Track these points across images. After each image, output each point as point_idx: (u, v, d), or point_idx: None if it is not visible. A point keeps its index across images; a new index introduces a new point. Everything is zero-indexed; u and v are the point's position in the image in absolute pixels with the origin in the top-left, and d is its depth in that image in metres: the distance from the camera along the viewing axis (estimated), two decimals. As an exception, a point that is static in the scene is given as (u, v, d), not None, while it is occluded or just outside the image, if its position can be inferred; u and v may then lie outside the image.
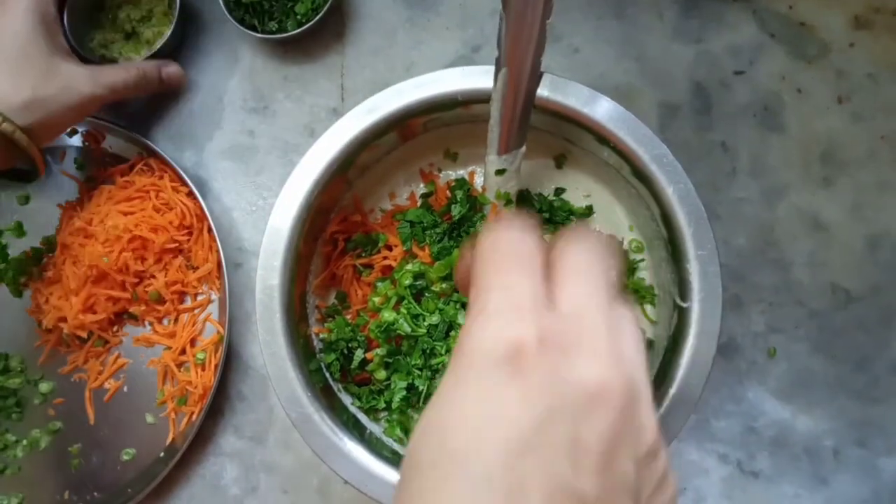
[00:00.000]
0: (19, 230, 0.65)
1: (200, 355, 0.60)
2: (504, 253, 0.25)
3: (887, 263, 0.61)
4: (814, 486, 0.58)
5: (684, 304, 0.48)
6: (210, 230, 0.60)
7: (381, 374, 0.52)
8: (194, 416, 0.59)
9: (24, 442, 0.61)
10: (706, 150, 0.64)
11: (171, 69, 0.63)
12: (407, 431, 0.52)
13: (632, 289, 0.54)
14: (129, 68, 0.60)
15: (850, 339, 0.60)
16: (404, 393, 0.51)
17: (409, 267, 0.53)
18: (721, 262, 0.58)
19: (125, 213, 0.61)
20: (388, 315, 0.52)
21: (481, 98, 0.51)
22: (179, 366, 0.61)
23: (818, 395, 0.59)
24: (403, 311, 0.52)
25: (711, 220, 0.59)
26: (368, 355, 0.53)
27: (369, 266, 0.56)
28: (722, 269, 0.57)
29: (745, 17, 0.66)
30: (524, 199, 0.56)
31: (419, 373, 0.52)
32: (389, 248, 0.55)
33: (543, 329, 0.22)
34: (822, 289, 0.61)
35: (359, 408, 0.53)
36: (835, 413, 0.59)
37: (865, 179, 0.62)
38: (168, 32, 0.62)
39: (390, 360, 0.52)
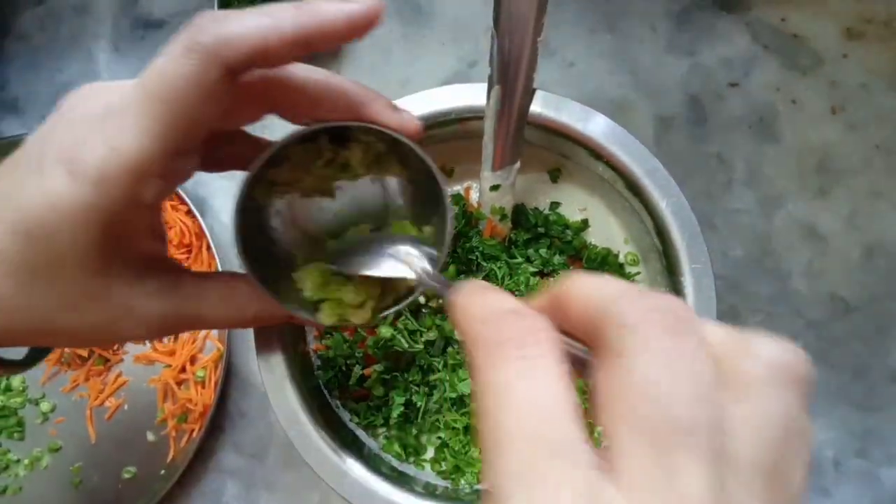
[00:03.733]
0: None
1: (200, 373, 0.60)
2: (526, 426, 0.18)
3: (884, 272, 0.61)
4: (815, 497, 0.58)
5: (680, 317, 0.48)
6: (209, 248, 0.61)
7: (380, 391, 0.53)
8: (194, 434, 0.59)
9: (26, 461, 0.62)
10: (702, 161, 0.64)
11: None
12: (405, 447, 0.52)
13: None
14: (245, 297, 0.38)
15: (849, 348, 0.60)
16: (402, 409, 0.52)
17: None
18: (718, 273, 0.59)
19: (124, 233, 0.61)
20: (385, 331, 0.52)
21: (476, 115, 0.51)
22: (179, 384, 0.61)
23: (818, 405, 0.59)
24: (400, 326, 0.53)
25: (708, 232, 0.59)
26: (366, 371, 0.53)
27: (367, 282, 0.56)
28: (719, 279, 0.57)
29: (739, 30, 0.67)
30: (520, 214, 0.56)
31: (417, 388, 0.52)
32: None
33: None
34: (820, 298, 0.61)
35: (357, 424, 0.54)
36: (835, 423, 0.59)
37: (861, 188, 0.62)
38: None
39: (388, 377, 0.53)
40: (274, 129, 0.38)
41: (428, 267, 0.35)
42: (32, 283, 0.32)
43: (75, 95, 0.32)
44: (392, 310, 0.39)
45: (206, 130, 0.31)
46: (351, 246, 0.40)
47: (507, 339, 0.20)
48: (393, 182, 0.41)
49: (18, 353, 0.42)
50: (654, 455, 0.17)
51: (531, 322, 0.20)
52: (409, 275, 0.36)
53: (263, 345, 0.49)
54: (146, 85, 0.29)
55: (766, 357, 0.19)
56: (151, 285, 0.35)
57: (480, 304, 0.22)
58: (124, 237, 0.33)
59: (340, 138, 0.37)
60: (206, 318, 0.38)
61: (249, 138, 0.39)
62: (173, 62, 0.29)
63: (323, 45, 0.32)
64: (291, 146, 0.36)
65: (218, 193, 0.66)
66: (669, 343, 0.18)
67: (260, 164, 0.35)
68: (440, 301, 0.52)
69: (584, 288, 0.21)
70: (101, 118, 0.30)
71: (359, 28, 0.31)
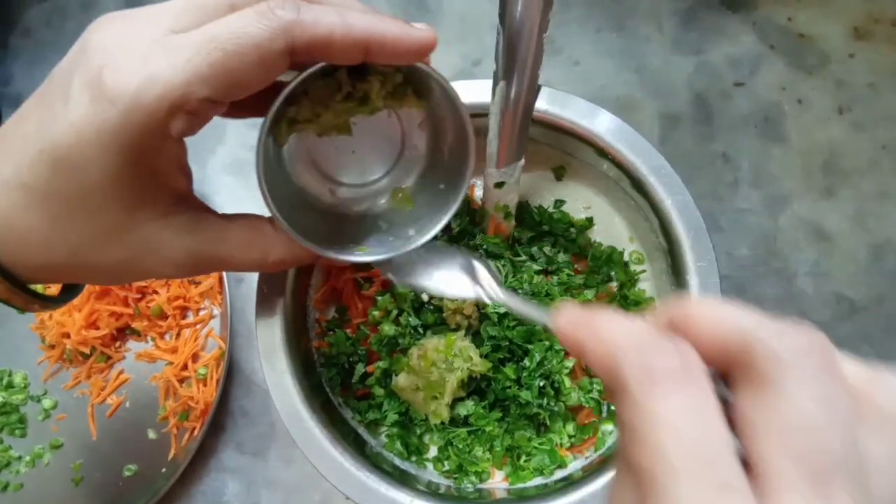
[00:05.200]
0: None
1: (202, 370, 0.60)
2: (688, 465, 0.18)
3: (891, 272, 0.60)
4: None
5: (685, 316, 0.48)
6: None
7: (380, 392, 0.52)
8: (196, 432, 0.59)
9: (27, 458, 0.61)
10: (707, 160, 0.64)
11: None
12: (407, 446, 0.52)
13: (633, 300, 0.54)
14: (268, 239, 0.39)
15: (855, 349, 0.59)
16: (397, 417, 0.51)
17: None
18: (724, 273, 0.58)
19: (127, 229, 0.61)
20: (388, 328, 0.52)
21: (480, 112, 0.51)
22: (181, 381, 0.61)
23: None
24: (403, 322, 0.52)
25: (713, 231, 0.59)
26: (369, 368, 0.53)
27: (369, 280, 0.56)
28: (724, 279, 0.57)
29: (745, 29, 0.66)
30: (524, 212, 0.56)
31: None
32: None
33: None
34: (826, 299, 0.60)
35: (359, 422, 0.53)
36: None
37: (867, 189, 0.62)
38: None
39: (387, 380, 0.52)
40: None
41: (502, 292, 0.37)
42: (62, 216, 0.32)
43: (100, 24, 0.32)
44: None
45: (249, 92, 0.32)
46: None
47: (662, 368, 0.20)
48: (411, 114, 0.41)
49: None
50: (811, 485, 0.17)
51: (683, 349, 0.20)
52: (484, 298, 0.38)
53: (265, 342, 0.48)
54: (211, 31, 0.30)
55: None
56: (177, 221, 0.35)
57: (610, 327, 0.22)
58: (152, 170, 0.33)
59: (358, 71, 0.37)
60: (229, 260, 0.38)
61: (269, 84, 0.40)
62: (245, 21, 0.30)
63: (378, 58, 0.33)
64: (309, 82, 0.36)
65: (222, 190, 0.66)
66: (823, 380, 0.19)
67: (280, 102, 0.34)
68: (441, 299, 0.52)
69: (717, 314, 0.21)
70: (142, 45, 0.30)
71: (415, 51, 0.34)
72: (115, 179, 0.31)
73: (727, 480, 0.18)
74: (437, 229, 0.41)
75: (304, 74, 0.34)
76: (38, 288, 0.39)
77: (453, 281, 0.41)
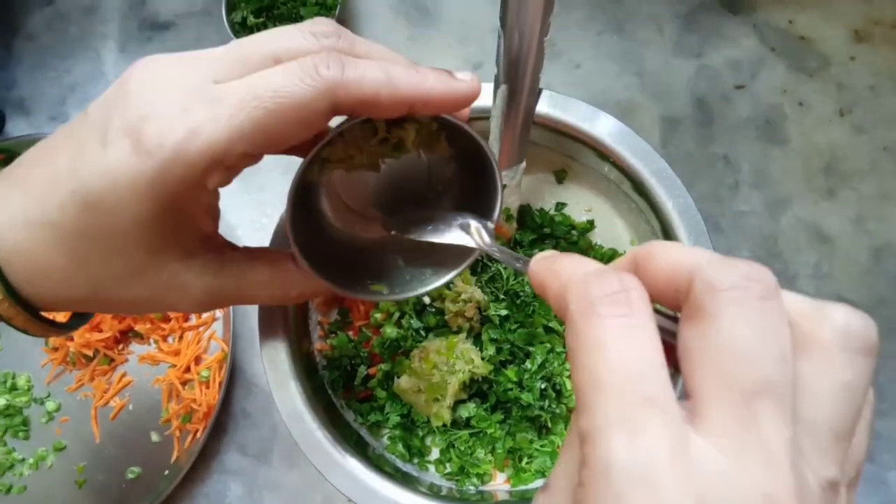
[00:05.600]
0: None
1: (205, 373, 0.60)
2: (619, 375, 0.19)
3: (892, 275, 0.60)
4: (822, 501, 0.57)
5: (686, 318, 0.48)
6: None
7: (382, 395, 0.52)
8: (199, 434, 0.59)
9: (31, 460, 0.62)
10: (708, 163, 0.64)
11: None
12: (409, 448, 0.52)
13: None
14: (290, 276, 0.39)
15: (857, 351, 0.59)
16: (399, 419, 0.52)
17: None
18: (724, 275, 0.58)
19: (130, 232, 0.61)
20: (390, 331, 0.52)
21: (481, 115, 0.51)
22: (184, 384, 0.61)
23: (825, 408, 0.59)
24: (405, 325, 0.53)
25: (715, 233, 0.59)
26: (371, 371, 0.53)
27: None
28: (725, 282, 0.57)
29: (746, 32, 0.67)
30: (525, 214, 0.56)
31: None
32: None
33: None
34: (827, 301, 0.60)
35: (361, 424, 0.53)
36: (842, 427, 0.58)
37: (868, 191, 0.62)
38: None
39: (389, 382, 0.53)
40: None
41: (490, 240, 0.37)
42: (87, 254, 0.32)
43: (144, 67, 0.32)
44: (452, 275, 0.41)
45: (284, 147, 0.32)
46: (411, 216, 0.41)
47: (603, 296, 0.21)
48: (438, 157, 0.41)
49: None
50: (738, 406, 0.18)
51: (626, 280, 0.21)
52: (472, 244, 0.37)
53: (268, 345, 0.49)
54: (254, 88, 0.30)
55: (842, 323, 0.21)
56: (200, 263, 0.36)
57: (569, 266, 0.24)
58: (182, 217, 0.33)
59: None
60: (250, 296, 0.39)
61: None
62: (289, 79, 0.30)
63: (421, 112, 0.33)
64: (344, 122, 0.36)
65: (234, 209, 0.65)
66: (758, 307, 0.19)
67: (318, 148, 0.35)
68: (444, 302, 0.52)
69: (671, 252, 0.22)
70: (186, 98, 0.30)
71: (459, 104, 0.34)
72: (145, 225, 0.32)
73: (652, 395, 0.18)
74: (455, 272, 0.40)
75: (347, 125, 0.34)
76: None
77: (445, 232, 0.40)
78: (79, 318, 0.41)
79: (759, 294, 0.19)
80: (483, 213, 0.39)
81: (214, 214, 0.37)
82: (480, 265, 0.54)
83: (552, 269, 0.24)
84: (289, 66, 0.30)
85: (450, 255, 0.41)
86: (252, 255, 0.39)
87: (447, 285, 0.41)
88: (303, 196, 0.39)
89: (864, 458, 0.21)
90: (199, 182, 0.31)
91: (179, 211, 0.33)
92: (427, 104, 0.33)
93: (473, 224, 0.38)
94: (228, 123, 0.29)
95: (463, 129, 0.36)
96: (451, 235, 0.38)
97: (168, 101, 0.30)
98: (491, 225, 0.38)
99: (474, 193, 0.40)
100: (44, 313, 0.36)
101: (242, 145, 0.30)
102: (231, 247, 0.39)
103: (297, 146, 0.35)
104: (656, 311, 0.22)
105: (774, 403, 0.18)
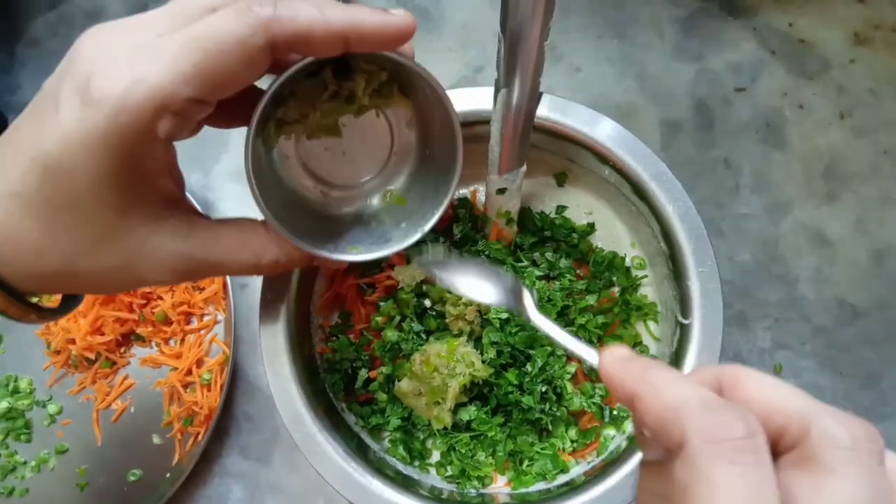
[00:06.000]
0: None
1: (206, 376, 0.60)
2: None
3: (893, 278, 0.60)
4: None
5: (686, 321, 0.48)
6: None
7: (383, 398, 0.53)
8: (200, 437, 0.59)
9: (33, 463, 0.62)
10: (709, 166, 0.64)
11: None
12: (410, 451, 0.52)
13: (634, 305, 0.54)
14: (261, 241, 0.39)
15: (857, 354, 0.59)
16: (400, 422, 0.52)
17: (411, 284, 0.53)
18: (725, 278, 0.58)
19: (133, 236, 0.61)
20: (391, 334, 0.52)
21: (482, 119, 0.51)
22: (186, 386, 0.61)
23: (826, 411, 0.59)
24: (406, 328, 0.53)
25: (715, 237, 0.59)
26: (372, 374, 0.53)
27: (372, 285, 0.56)
28: (726, 285, 0.57)
29: (746, 35, 0.67)
30: (526, 218, 0.56)
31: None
32: (392, 267, 0.55)
33: None
34: (828, 304, 0.60)
35: (362, 427, 0.53)
36: (843, 430, 0.58)
37: (869, 194, 0.62)
38: None
39: (390, 385, 0.53)
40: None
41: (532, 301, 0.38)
42: (54, 222, 0.32)
43: (89, 35, 0.33)
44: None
45: (234, 90, 0.33)
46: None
47: (730, 438, 0.20)
48: (398, 113, 0.42)
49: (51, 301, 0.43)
50: None
51: (751, 423, 0.21)
52: (526, 315, 0.38)
53: (269, 348, 0.49)
54: (193, 32, 0.31)
55: None
56: (169, 226, 0.36)
57: (672, 385, 0.23)
58: (141, 173, 0.33)
59: (343, 70, 0.38)
60: (222, 263, 0.38)
61: (257, 91, 0.39)
62: (225, 20, 0.31)
63: (359, 48, 0.33)
64: (296, 84, 0.37)
65: (226, 197, 0.66)
66: (875, 469, 0.20)
67: (266, 101, 0.35)
68: (445, 305, 0.52)
69: (766, 387, 0.22)
70: (129, 51, 0.31)
71: (394, 38, 0.34)
72: (104, 184, 0.32)
73: None
74: (429, 225, 0.41)
75: (289, 72, 0.34)
76: (45, 299, 0.40)
77: (492, 292, 0.41)
78: (64, 304, 0.41)
79: (877, 457, 0.20)
80: (448, 171, 0.40)
81: (176, 174, 0.37)
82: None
83: (647, 380, 0.24)
84: (224, 10, 0.31)
85: (424, 211, 0.42)
86: (222, 221, 0.39)
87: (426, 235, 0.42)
88: (269, 163, 0.40)
89: None
90: (150, 130, 0.31)
91: (137, 168, 0.33)
92: (361, 38, 0.33)
93: (527, 296, 0.39)
94: (170, 68, 0.30)
95: (412, 69, 0.37)
96: (496, 298, 0.40)
97: (113, 57, 0.31)
98: (449, 195, 0.40)
99: (440, 152, 0.41)
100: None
101: (186, 88, 0.30)
102: (200, 214, 0.39)
103: (251, 112, 0.35)
104: None
105: None
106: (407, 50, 0.37)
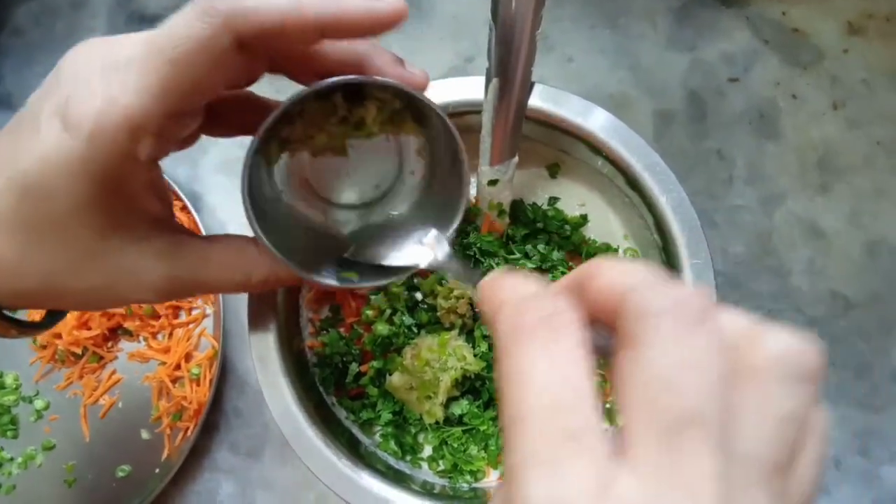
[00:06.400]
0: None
1: (195, 370, 0.60)
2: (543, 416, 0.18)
3: (886, 270, 0.60)
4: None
5: (680, 314, 0.48)
6: (204, 244, 0.60)
7: (374, 391, 0.52)
8: (189, 432, 0.58)
9: (19, 459, 0.61)
10: (702, 158, 0.63)
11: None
12: (402, 445, 0.52)
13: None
14: (251, 260, 0.38)
15: (851, 346, 0.59)
16: (391, 416, 0.51)
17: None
18: (718, 270, 0.58)
19: (119, 229, 0.61)
20: (381, 328, 0.52)
21: (473, 109, 0.50)
22: (174, 381, 0.60)
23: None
24: (397, 322, 0.52)
25: (708, 228, 0.58)
26: (363, 368, 0.53)
27: (363, 279, 0.55)
28: (719, 277, 0.57)
29: (739, 25, 0.66)
30: (518, 209, 0.55)
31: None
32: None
33: None
34: (821, 296, 0.60)
35: (353, 422, 0.53)
36: (836, 422, 0.58)
37: (862, 186, 0.62)
38: None
39: (381, 380, 0.52)
40: (287, 92, 0.37)
41: (450, 255, 0.36)
42: (33, 243, 0.31)
43: (75, 52, 0.31)
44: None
45: (210, 96, 0.31)
46: (374, 228, 0.41)
47: (529, 322, 0.20)
48: (409, 140, 0.41)
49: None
50: (663, 443, 0.17)
51: (552, 304, 0.20)
52: (430, 262, 0.36)
53: (258, 342, 0.48)
54: (154, 41, 0.29)
55: (776, 350, 0.19)
56: (154, 246, 0.34)
57: (504, 288, 0.22)
58: (124, 195, 0.32)
59: (355, 96, 0.37)
60: (211, 283, 0.37)
61: (259, 102, 0.37)
62: (186, 23, 0.28)
63: (340, 36, 0.31)
64: (306, 103, 0.35)
65: (214, 190, 0.65)
66: (685, 335, 0.18)
67: (271, 122, 0.34)
68: (437, 298, 0.52)
69: (608, 273, 0.21)
70: (102, 71, 0.29)
71: (379, 26, 0.31)
72: (85, 206, 0.31)
73: (575, 430, 0.17)
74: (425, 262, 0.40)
75: (296, 96, 0.33)
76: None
77: (404, 250, 0.40)
78: (49, 318, 0.40)
79: (690, 319, 0.18)
80: (451, 208, 0.38)
81: (161, 194, 0.36)
82: (473, 261, 0.54)
83: (493, 289, 0.23)
84: (185, 10, 0.29)
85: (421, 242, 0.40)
86: (211, 239, 0.37)
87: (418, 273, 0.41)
88: (267, 177, 0.39)
89: (813, 491, 0.20)
90: (130, 154, 0.30)
91: (120, 190, 0.31)
92: (340, 26, 0.30)
93: (432, 234, 0.37)
94: (137, 87, 0.28)
95: (427, 105, 0.35)
96: (407, 252, 0.38)
97: (92, 78, 0.29)
98: (449, 234, 0.38)
99: (445, 187, 0.40)
100: (8, 312, 0.36)
101: (158, 105, 0.29)
102: (189, 232, 0.37)
103: (247, 122, 0.33)
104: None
105: (701, 436, 0.17)
106: (416, 78, 0.35)
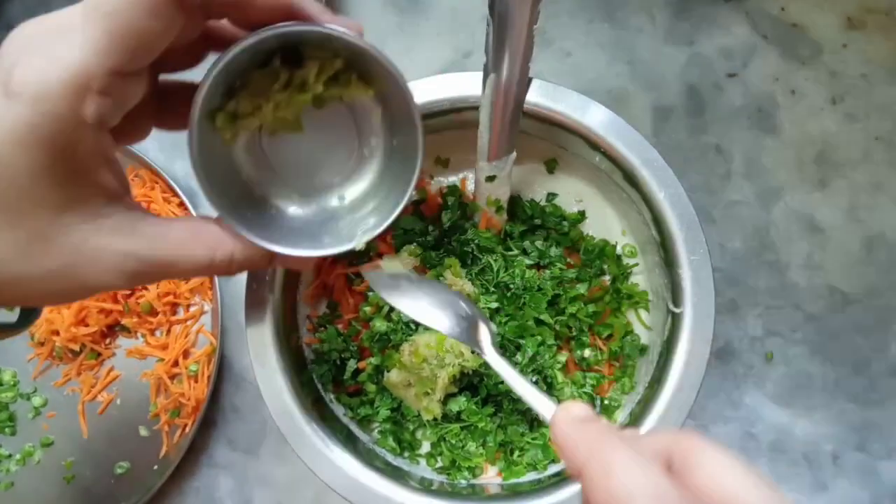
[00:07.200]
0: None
1: (193, 367, 0.60)
2: None
3: (883, 265, 0.60)
4: (813, 491, 0.57)
5: (677, 310, 0.48)
6: (201, 241, 0.60)
7: (372, 388, 0.52)
8: (187, 429, 0.58)
9: (18, 456, 0.61)
10: (700, 152, 0.63)
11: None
12: (400, 442, 0.52)
13: (625, 293, 0.54)
14: (213, 235, 0.36)
15: (848, 341, 0.59)
16: (389, 413, 0.51)
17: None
18: (717, 265, 0.58)
19: (116, 225, 0.60)
20: (379, 324, 0.52)
21: (471, 105, 0.50)
22: (172, 378, 0.60)
23: (816, 399, 0.59)
24: (395, 318, 0.52)
25: (706, 224, 0.58)
26: (361, 364, 0.53)
27: (360, 275, 0.55)
28: (718, 272, 0.56)
29: (738, 19, 0.66)
30: (516, 205, 0.55)
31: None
32: (380, 256, 0.55)
33: None
34: (819, 291, 0.60)
35: (351, 418, 0.53)
36: (834, 417, 0.58)
37: (860, 180, 0.62)
38: None
39: (379, 376, 0.52)
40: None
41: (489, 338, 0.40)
42: None
43: (16, 31, 0.31)
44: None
45: (152, 52, 0.30)
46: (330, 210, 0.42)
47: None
48: (364, 110, 0.40)
49: (10, 316, 0.42)
50: None
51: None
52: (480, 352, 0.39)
53: (255, 339, 0.48)
54: (90, 1, 0.29)
55: None
56: (111, 224, 0.33)
57: (631, 474, 0.23)
58: (75, 166, 0.30)
59: (294, 59, 0.36)
60: (174, 262, 0.35)
61: None
62: None
63: None
64: (247, 74, 0.35)
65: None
66: None
67: (209, 84, 0.33)
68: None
69: (723, 474, 0.22)
70: (43, 38, 0.29)
71: None
72: (37, 179, 0.29)
73: None
74: (391, 218, 0.40)
75: (233, 51, 0.33)
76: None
77: (444, 320, 0.42)
78: (26, 314, 0.40)
79: None
80: (410, 160, 0.39)
81: (114, 167, 0.34)
82: (471, 258, 0.53)
83: (599, 454, 0.23)
84: None
85: (388, 204, 0.40)
86: (171, 219, 0.36)
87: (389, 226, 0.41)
88: (228, 159, 0.39)
89: None
90: (76, 115, 0.29)
91: (71, 159, 0.30)
92: None
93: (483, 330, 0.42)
94: (81, 42, 0.28)
95: (367, 51, 0.35)
96: (449, 326, 0.42)
97: (31, 45, 0.29)
98: (406, 199, 0.39)
99: (403, 141, 0.40)
100: None
101: (100, 60, 0.28)
102: (147, 212, 0.36)
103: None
104: None
105: None
106: (352, 27, 0.34)
